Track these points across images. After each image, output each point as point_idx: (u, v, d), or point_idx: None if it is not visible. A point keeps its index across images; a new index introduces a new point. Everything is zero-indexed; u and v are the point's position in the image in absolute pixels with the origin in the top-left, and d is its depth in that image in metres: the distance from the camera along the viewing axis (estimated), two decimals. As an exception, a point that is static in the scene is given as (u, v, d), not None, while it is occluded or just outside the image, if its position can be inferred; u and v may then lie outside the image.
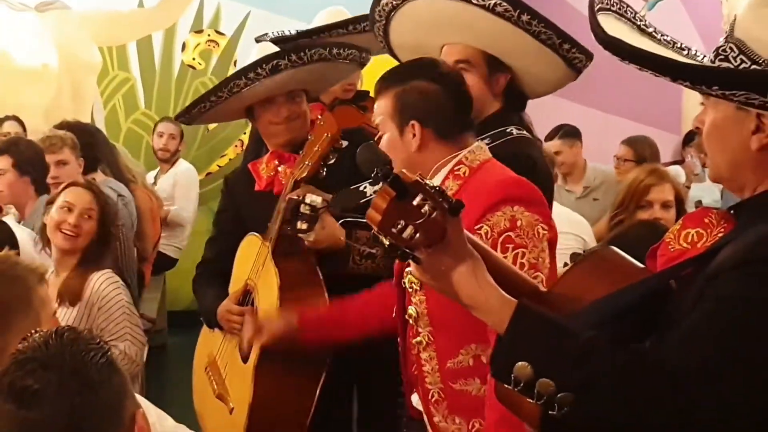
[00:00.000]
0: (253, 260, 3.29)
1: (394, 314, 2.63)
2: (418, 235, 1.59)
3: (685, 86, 1.63)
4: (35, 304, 2.46)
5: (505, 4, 2.81)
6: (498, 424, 2.24)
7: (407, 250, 1.63)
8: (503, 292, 1.69)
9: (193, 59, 7.70)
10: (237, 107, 3.45)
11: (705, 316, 1.52)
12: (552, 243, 2.44)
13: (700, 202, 7.02)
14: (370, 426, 3.58)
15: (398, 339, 2.66)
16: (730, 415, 1.46)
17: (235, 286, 3.39)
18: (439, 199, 1.58)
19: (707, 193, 7.14)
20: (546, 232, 2.38)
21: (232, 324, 3.29)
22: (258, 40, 4.19)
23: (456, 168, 2.51)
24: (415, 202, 1.57)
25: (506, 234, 2.34)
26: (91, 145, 5.09)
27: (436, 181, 2.47)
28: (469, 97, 2.61)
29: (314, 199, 3.05)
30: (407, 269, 2.42)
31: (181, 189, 6.60)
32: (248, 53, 4.24)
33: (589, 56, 3.06)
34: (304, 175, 3.17)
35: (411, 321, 2.55)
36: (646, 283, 1.69)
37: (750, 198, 1.68)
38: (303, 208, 3.06)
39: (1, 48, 7.22)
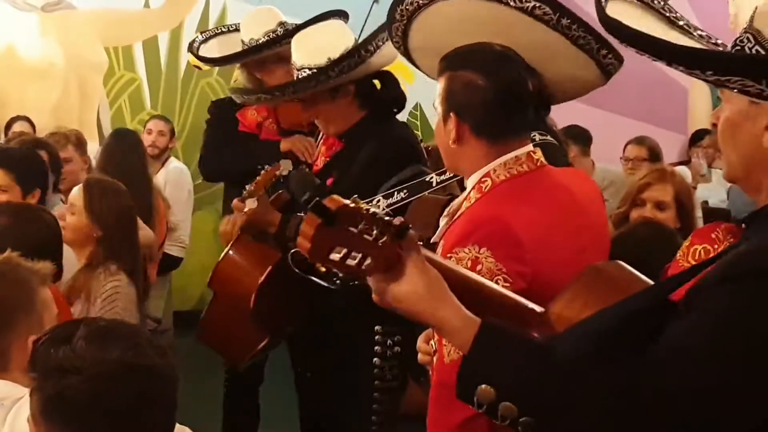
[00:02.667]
0: None
1: None
2: (368, 261, 1.57)
3: (681, 71, 1.55)
4: (37, 306, 2.47)
5: (545, 7, 2.73)
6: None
7: (349, 277, 1.61)
8: (468, 313, 1.65)
9: (199, 59, 7.69)
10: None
11: (686, 331, 1.47)
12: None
13: (706, 202, 7.01)
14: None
15: None
16: (716, 426, 1.43)
17: None
18: (381, 224, 1.56)
19: (714, 193, 7.12)
20: (508, 285, 2.12)
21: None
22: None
23: (482, 180, 2.37)
24: (356, 228, 1.54)
25: None
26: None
27: (468, 186, 2.41)
28: (524, 98, 2.44)
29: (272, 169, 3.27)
30: None
31: (171, 187, 6.55)
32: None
33: (621, 60, 3.00)
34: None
35: None
36: (641, 297, 1.64)
37: (762, 208, 1.62)
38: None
39: (8, 48, 7.23)
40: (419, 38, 2.80)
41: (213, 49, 4.71)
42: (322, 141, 3.64)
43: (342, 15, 3.87)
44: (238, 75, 4.64)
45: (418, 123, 7.94)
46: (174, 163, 6.90)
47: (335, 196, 1.57)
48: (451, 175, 2.95)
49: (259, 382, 4.53)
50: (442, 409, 2.17)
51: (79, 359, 1.72)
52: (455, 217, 2.41)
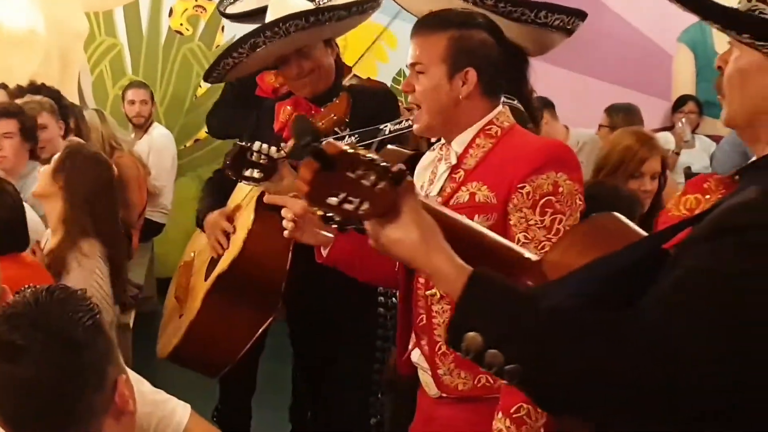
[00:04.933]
0: (247, 191, 3.36)
1: (396, 267, 2.61)
2: (365, 206, 1.59)
3: (716, 28, 1.56)
4: None
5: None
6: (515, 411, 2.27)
7: (345, 221, 1.64)
8: (460, 261, 1.67)
9: (181, 25, 7.63)
10: (258, 65, 3.51)
11: (676, 284, 1.48)
12: (582, 216, 2.44)
13: (689, 168, 7.04)
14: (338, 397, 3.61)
15: (398, 292, 2.64)
16: (692, 376, 1.43)
17: (232, 202, 3.47)
18: (379, 169, 1.57)
19: (697, 159, 7.14)
20: (581, 203, 2.42)
21: (212, 235, 3.42)
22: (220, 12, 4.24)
23: (487, 127, 2.50)
24: (353, 173, 1.56)
25: (547, 198, 2.38)
26: None
27: (466, 137, 2.51)
28: (516, 60, 2.66)
29: (263, 146, 3.05)
30: None
31: (155, 154, 6.53)
32: (235, 18, 4.26)
33: (579, 14, 3.11)
34: None
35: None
36: (635, 248, 1.65)
37: (755, 161, 1.63)
38: (254, 156, 3.07)
39: (-10, 17, 7.16)
40: None
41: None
42: (288, 110, 3.55)
43: None
44: (220, 40, 4.62)
45: (400, 88, 7.93)
46: (158, 129, 6.87)
47: (334, 141, 1.60)
48: (406, 125, 2.98)
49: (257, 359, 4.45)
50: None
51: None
52: (470, 163, 2.50)
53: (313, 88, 3.46)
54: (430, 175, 2.61)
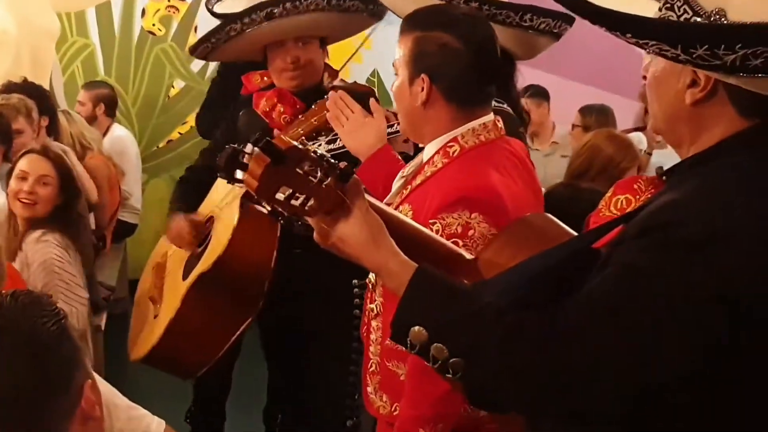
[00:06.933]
0: (228, 191, 3.33)
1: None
2: (311, 202, 1.59)
3: (605, 31, 1.57)
4: None
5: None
6: (415, 421, 2.23)
7: (291, 217, 1.64)
8: (405, 258, 1.70)
9: (153, 25, 7.57)
10: (248, 48, 3.47)
11: (600, 283, 1.51)
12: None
13: (661, 168, 7.05)
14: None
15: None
16: (602, 380, 1.47)
17: (206, 206, 3.45)
18: (326, 166, 1.58)
19: (669, 159, 7.08)
20: None
21: (177, 239, 3.43)
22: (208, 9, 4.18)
23: (449, 144, 2.38)
24: (302, 169, 1.57)
25: (454, 240, 2.19)
26: None
27: (429, 151, 2.43)
28: (495, 68, 2.46)
29: (256, 149, 3.04)
30: None
31: (116, 156, 6.45)
32: (209, 18, 4.19)
33: (566, 18, 3.09)
34: (293, 138, 3.20)
35: (370, 286, 2.51)
36: (566, 247, 1.69)
37: (680, 162, 1.66)
38: (245, 159, 3.05)
39: (-42, 17, 7.09)
40: None
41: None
42: (273, 100, 3.52)
43: None
44: (193, 41, 4.59)
45: (375, 89, 7.91)
46: (117, 132, 6.77)
47: (284, 137, 1.63)
48: (396, 129, 2.98)
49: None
50: (424, 380, 2.18)
51: None
52: (417, 180, 2.42)
53: (300, 82, 3.44)
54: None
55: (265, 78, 3.65)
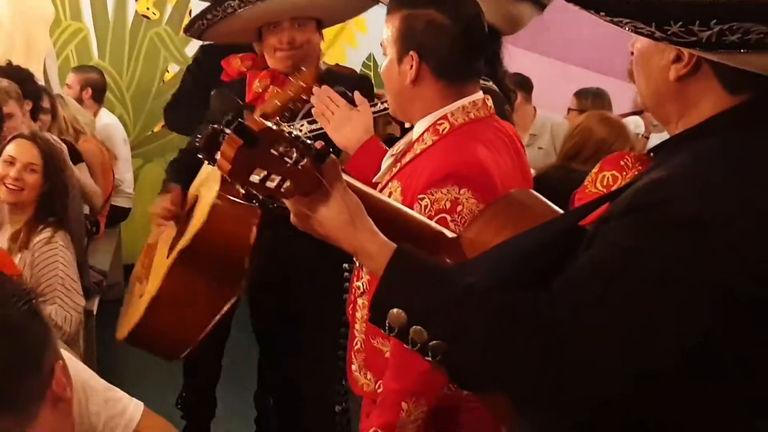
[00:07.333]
0: (211, 170, 3.33)
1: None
2: (287, 184, 1.56)
3: (580, 8, 1.57)
4: None
5: None
6: (397, 393, 2.23)
7: (267, 200, 1.61)
8: (384, 238, 1.67)
9: (147, 9, 7.52)
10: (243, 27, 3.44)
11: (588, 262, 1.49)
12: None
13: (656, 149, 7.04)
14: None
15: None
16: (592, 362, 1.44)
17: (193, 187, 3.45)
18: (301, 147, 1.55)
19: (666, 143, 7.14)
20: None
21: (158, 218, 3.47)
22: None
23: (439, 122, 2.38)
24: (276, 151, 1.54)
25: (442, 215, 2.22)
26: None
27: (418, 129, 2.43)
28: (484, 44, 2.46)
29: None
30: None
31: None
32: (203, 2, 4.17)
33: None
34: (269, 111, 3.18)
35: (357, 263, 2.50)
36: (552, 225, 1.66)
37: (668, 139, 1.64)
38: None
39: (-50, 4, 7.05)
40: None
41: None
42: (266, 81, 3.48)
43: None
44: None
45: (372, 73, 7.88)
46: (104, 120, 6.73)
47: (257, 118, 1.58)
48: (381, 108, 2.95)
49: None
50: (408, 354, 2.17)
51: None
52: (407, 158, 2.40)
53: (295, 63, 3.40)
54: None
55: (247, 62, 3.62)
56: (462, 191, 2.23)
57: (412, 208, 2.25)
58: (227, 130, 1.54)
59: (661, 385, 1.46)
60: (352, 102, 2.99)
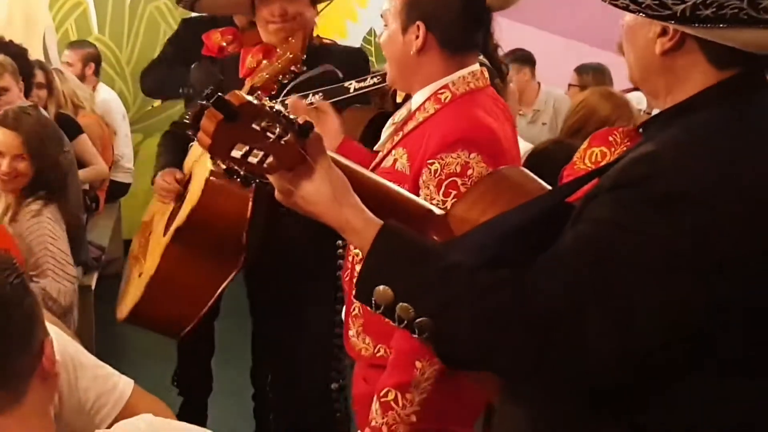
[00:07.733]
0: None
1: None
2: (270, 159, 1.54)
3: None
4: None
5: None
6: (410, 353, 2.23)
7: (249, 175, 1.59)
8: (370, 214, 1.65)
9: (147, -18, 7.51)
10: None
11: (573, 238, 1.48)
12: None
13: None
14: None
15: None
16: (575, 339, 1.43)
17: (187, 163, 3.43)
18: (285, 122, 1.52)
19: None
20: None
21: (160, 192, 3.42)
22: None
23: (440, 91, 2.41)
24: (258, 126, 1.51)
25: (452, 179, 2.26)
26: None
27: (418, 99, 2.44)
28: (485, 15, 2.50)
29: None
30: None
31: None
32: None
33: None
34: (259, 84, 3.15)
35: None
36: (540, 202, 1.65)
37: (657, 114, 1.64)
38: None
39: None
40: None
41: None
42: (259, 56, 3.45)
43: None
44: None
45: (372, 48, 7.85)
46: (103, 93, 6.72)
47: (238, 92, 1.54)
48: (372, 83, 2.92)
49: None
50: None
51: None
52: (410, 126, 2.44)
53: (287, 35, 3.36)
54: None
55: (227, 36, 3.60)
56: (472, 155, 2.26)
57: (420, 173, 2.31)
58: (207, 104, 1.51)
59: (648, 364, 1.46)
60: (338, 80, 2.98)
